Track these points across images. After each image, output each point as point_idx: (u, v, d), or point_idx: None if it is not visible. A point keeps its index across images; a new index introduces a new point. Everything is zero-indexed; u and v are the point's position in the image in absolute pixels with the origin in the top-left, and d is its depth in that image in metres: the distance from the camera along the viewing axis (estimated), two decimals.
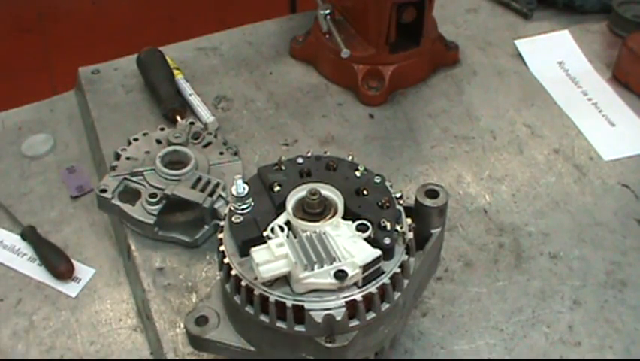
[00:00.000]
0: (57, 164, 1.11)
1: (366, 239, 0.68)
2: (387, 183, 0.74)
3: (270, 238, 0.67)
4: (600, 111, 1.17)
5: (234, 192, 0.70)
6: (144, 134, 1.01)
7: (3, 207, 1.04)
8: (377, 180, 0.74)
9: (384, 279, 0.68)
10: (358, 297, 0.67)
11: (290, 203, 0.71)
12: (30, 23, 2.82)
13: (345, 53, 1.12)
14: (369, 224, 0.69)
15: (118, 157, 0.98)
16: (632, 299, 0.89)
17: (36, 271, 0.96)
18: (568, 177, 1.05)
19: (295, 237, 0.68)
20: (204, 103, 1.15)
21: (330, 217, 0.70)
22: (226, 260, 0.69)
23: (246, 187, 0.70)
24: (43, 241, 0.98)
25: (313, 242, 0.66)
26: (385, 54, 1.16)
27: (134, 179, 0.95)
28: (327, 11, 1.16)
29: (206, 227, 0.93)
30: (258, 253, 0.65)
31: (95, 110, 1.15)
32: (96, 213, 1.01)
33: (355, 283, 0.67)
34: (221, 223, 0.72)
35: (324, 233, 0.67)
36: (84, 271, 0.96)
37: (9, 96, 1.50)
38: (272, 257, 0.65)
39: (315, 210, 0.70)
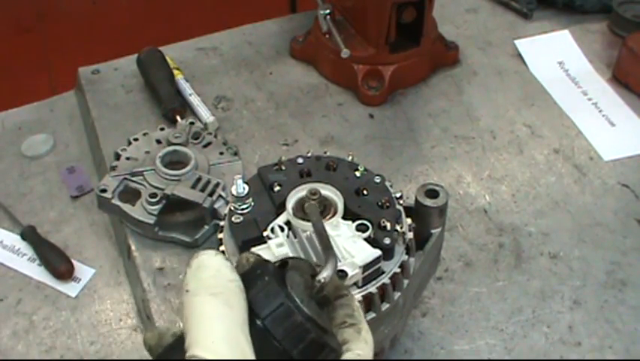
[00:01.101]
0: (57, 164, 1.11)
1: (366, 239, 0.68)
2: (387, 183, 0.74)
3: (270, 238, 0.67)
4: (600, 111, 1.17)
5: (234, 192, 0.70)
6: (144, 135, 1.01)
7: (3, 207, 1.04)
8: (377, 180, 0.74)
9: (384, 279, 0.68)
10: (358, 297, 0.67)
11: (290, 203, 0.71)
12: (30, 23, 2.82)
13: (345, 53, 1.12)
14: (369, 224, 0.69)
15: (118, 157, 0.98)
16: (632, 299, 0.89)
17: (36, 271, 0.96)
18: (568, 177, 1.05)
19: (295, 237, 0.68)
20: (204, 103, 1.15)
21: (330, 217, 0.70)
22: None
23: (246, 187, 0.70)
24: (43, 241, 0.98)
25: (313, 242, 0.66)
26: (385, 54, 1.16)
27: (134, 179, 0.95)
28: (327, 11, 1.16)
29: (206, 227, 0.93)
30: (258, 253, 0.65)
31: (95, 110, 1.15)
32: (96, 213, 1.01)
33: (355, 283, 0.67)
34: (221, 223, 0.72)
35: None
36: (84, 271, 0.96)
37: (9, 96, 1.50)
38: (272, 257, 0.65)
39: None
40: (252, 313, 0.49)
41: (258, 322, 0.48)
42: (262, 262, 0.54)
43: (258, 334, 0.48)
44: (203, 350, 0.45)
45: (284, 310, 0.48)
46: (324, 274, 0.53)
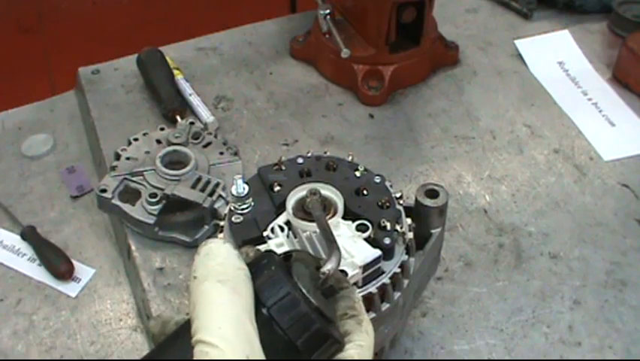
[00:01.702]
0: (57, 164, 1.11)
1: (366, 239, 0.68)
2: (387, 183, 0.74)
3: (270, 238, 0.67)
4: (600, 111, 1.17)
5: (234, 192, 0.70)
6: (144, 134, 1.01)
7: (3, 207, 1.04)
8: (377, 180, 0.74)
9: (384, 279, 0.68)
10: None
11: (290, 203, 0.71)
12: (30, 23, 2.82)
13: (345, 53, 1.12)
14: (369, 224, 0.69)
15: (118, 157, 0.98)
16: (632, 299, 0.89)
17: (36, 271, 0.96)
18: (568, 177, 1.05)
19: (295, 237, 0.68)
20: (204, 103, 1.15)
21: (330, 217, 0.70)
22: None
23: (246, 187, 0.70)
24: (43, 241, 0.98)
25: (313, 242, 0.66)
26: (385, 54, 1.16)
27: (134, 179, 0.95)
28: (327, 11, 1.16)
29: (206, 227, 0.93)
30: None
31: (95, 110, 1.15)
32: (96, 213, 1.01)
33: (355, 283, 0.66)
34: (221, 223, 0.72)
35: None
36: (84, 271, 0.96)
37: (9, 96, 1.50)
38: None
39: None
40: (258, 302, 0.49)
41: (264, 310, 0.49)
42: (268, 252, 0.55)
43: (264, 322, 0.48)
44: (209, 335, 0.46)
45: (290, 299, 0.49)
46: (329, 266, 0.54)
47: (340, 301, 0.55)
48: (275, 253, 0.56)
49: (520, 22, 1.35)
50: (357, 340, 0.53)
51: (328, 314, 0.52)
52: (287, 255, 0.55)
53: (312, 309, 0.50)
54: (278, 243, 0.66)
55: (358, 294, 0.56)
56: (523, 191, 1.03)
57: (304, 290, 0.50)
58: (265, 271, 0.51)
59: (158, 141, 1.00)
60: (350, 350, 0.52)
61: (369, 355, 0.53)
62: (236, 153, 1.01)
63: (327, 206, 0.71)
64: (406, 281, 0.71)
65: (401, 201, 0.73)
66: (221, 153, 1.00)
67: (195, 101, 1.15)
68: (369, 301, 0.68)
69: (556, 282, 0.91)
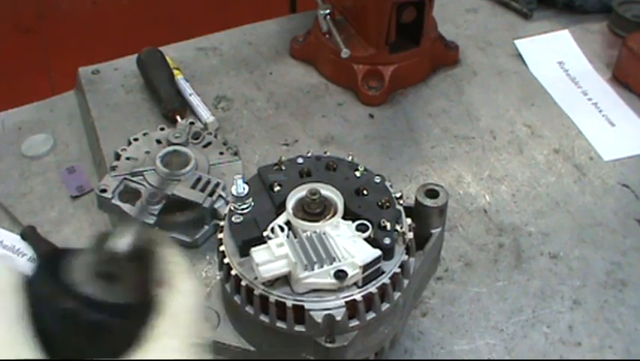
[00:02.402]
0: (57, 164, 1.11)
1: (366, 239, 0.68)
2: (387, 183, 0.74)
3: (270, 238, 0.67)
4: (600, 111, 1.17)
5: (234, 192, 0.70)
6: (144, 134, 1.01)
7: (3, 207, 1.04)
8: (377, 180, 0.74)
9: (384, 279, 0.68)
10: (358, 297, 0.67)
11: (290, 203, 0.71)
12: (30, 23, 2.82)
13: (345, 53, 1.12)
14: (369, 224, 0.69)
15: (118, 157, 0.98)
16: (632, 299, 0.89)
17: None
18: (568, 177, 1.05)
19: (295, 237, 0.68)
20: (204, 103, 1.15)
21: (330, 217, 0.70)
22: (226, 260, 0.69)
23: (246, 187, 0.70)
24: (43, 241, 0.98)
25: (313, 242, 0.66)
26: (385, 54, 1.16)
27: (134, 179, 0.95)
28: (327, 11, 1.16)
29: (206, 227, 0.93)
30: (258, 253, 0.65)
31: (95, 110, 1.15)
32: (96, 213, 1.01)
33: (355, 283, 0.66)
34: (221, 223, 0.72)
35: (324, 233, 0.67)
36: None
37: (9, 96, 1.50)
38: (272, 257, 0.65)
39: (315, 210, 0.70)
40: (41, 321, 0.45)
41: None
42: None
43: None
44: None
45: (66, 314, 0.45)
46: (114, 243, 0.49)
47: (152, 269, 0.49)
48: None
49: (520, 22, 1.35)
50: (169, 311, 0.47)
51: (107, 299, 0.46)
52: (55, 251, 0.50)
53: (83, 303, 0.45)
54: (278, 243, 0.66)
55: (177, 256, 0.50)
56: (523, 191, 1.03)
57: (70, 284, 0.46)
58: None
59: (158, 141, 1.00)
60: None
61: (189, 319, 0.47)
62: (236, 153, 1.01)
63: (327, 206, 0.71)
64: (406, 281, 0.71)
65: (401, 201, 0.73)
66: (221, 153, 1.00)
67: (195, 101, 1.15)
68: (369, 301, 0.68)
69: (556, 282, 0.91)
